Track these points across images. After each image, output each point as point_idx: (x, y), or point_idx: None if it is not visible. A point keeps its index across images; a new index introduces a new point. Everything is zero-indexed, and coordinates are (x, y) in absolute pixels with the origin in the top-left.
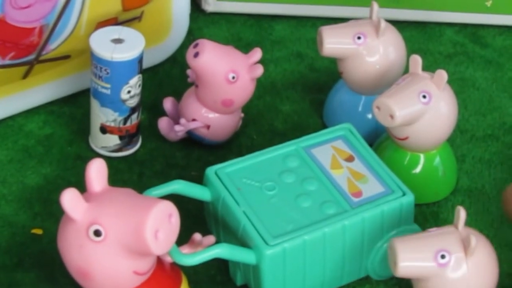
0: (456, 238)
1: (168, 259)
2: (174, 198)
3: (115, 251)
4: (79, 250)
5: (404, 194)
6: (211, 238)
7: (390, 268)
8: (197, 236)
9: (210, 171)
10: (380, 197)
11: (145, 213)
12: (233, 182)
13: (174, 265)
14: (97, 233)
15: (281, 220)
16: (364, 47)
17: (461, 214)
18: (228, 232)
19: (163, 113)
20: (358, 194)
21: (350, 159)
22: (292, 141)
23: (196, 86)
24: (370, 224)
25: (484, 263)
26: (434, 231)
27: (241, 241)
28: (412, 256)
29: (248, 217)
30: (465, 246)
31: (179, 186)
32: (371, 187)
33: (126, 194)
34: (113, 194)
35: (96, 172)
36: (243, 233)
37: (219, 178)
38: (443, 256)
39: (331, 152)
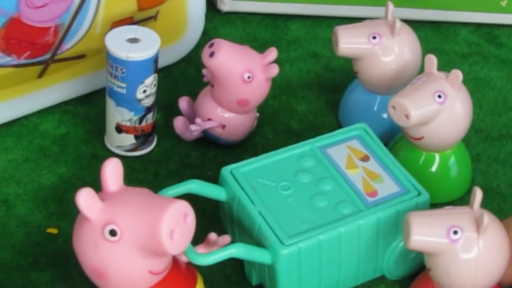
0: (470, 217)
1: (184, 259)
2: (189, 197)
3: (130, 250)
4: (94, 249)
5: (419, 194)
6: (226, 238)
7: (404, 240)
8: (212, 235)
9: (226, 170)
10: (395, 197)
11: (160, 213)
12: (248, 181)
13: (190, 264)
14: (112, 232)
15: (296, 220)
16: (380, 47)
17: (478, 194)
18: (243, 231)
19: (178, 113)
20: (373, 194)
21: (365, 158)
22: (307, 141)
23: (212, 85)
24: (385, 224)
25: (495, 246)
26: (449, 209)
27: (257, 241)
28: (425, 230)
29: (263, 216)
30: (478, 226)
31: (195, 186)
32: (387, 187)
33: (141, 194)
34: (128, 194)
35: (112, 172)
36: (259, 233)
37: (235, 178)
38: (455, 232)
39: (346, 152)
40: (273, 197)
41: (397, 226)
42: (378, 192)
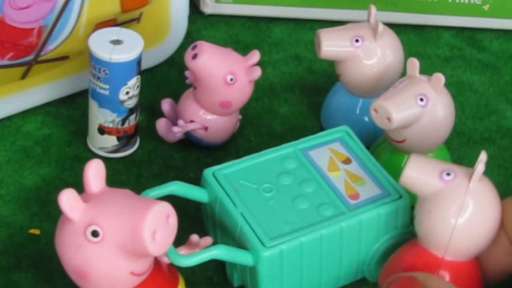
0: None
1: (166, 260)
2: (171, 199)
3: (112, 251)
4: (76, 250)
5: (400, 197)
6: (208, 240)
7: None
8: (194, 237)
9: (208, 172)
10: (376, 199)
11: (142, 214)
12: (230, 183)
13: (171, 266)
14: (94, 233)
15: (278, 221)
16: (362, 50)
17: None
18: (225, 233)
19: (161, 114)
20: (355, 196)
21: (347, 161)
22: (289, 143)
23: (194, 87)
24: (367, 226)
25: (482, 204)
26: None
27: (238, 243)
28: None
29: (245, 218)
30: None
31: (177, 187)
32: (368, 189)
33: (124, 195)
34: (111, 195)
35: (94, 173)
36: (240, 235)
37: (217, 180)
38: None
39: (328, 154)
40: (255, 199)
41: (379, 228)
42: (359, 194)
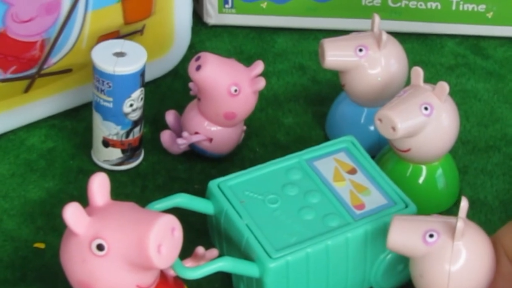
0: (450, 224)
1: (171, 273)
2: (177, 211)
3: (118, 265)
4: (82, 264)
5: (406, 206)
6: (214, 252)
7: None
8: (200, 249)
9: (213, 184)
10: (382, 209)
11: (147, 227)
12: (236, 195)
13: (177, 278)
14: (100, 247)
15: (284, 233)
16: (366, 60)
17: (462, 203)
18: (231, 245)
19: (165, 126)
20: (360, 206)
21: (352, 171)
22: (294, 154)
23: (198, 99)
24: (373, 236)
25: (473, 255)
26: (434, 216)
27: (244, 254)
28: (403, 232)
29: (251, 230)
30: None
31: (182, 200)
32: (374, 199)
33: (128, 208)
34: (115, 208)
35: (99, 186)
36: (246, 246)
37: (222, 191)
38: (431, 236)
39: (333, 164)
40: (260, 210)
41: (385, 238)
42: (365, 204)
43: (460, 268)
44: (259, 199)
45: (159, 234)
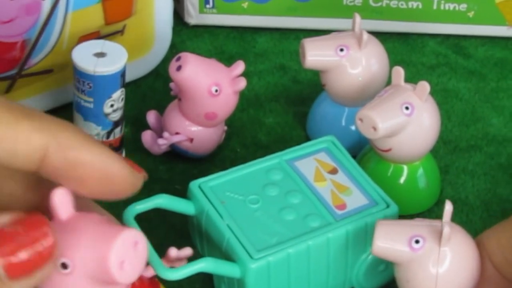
0: (436, 229)
1: (150, 272)
2: (158, 212)
3: (83, 283)
4: (48, 283)
5: (388, 206)
6: (187, 250)
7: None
8: (172, 251)
9: (194, 185)
10: (364, 209)
11: (108, 244)
12: (216, 195)
13: (154, 278)
14: (64, 265)
15: (265, 233)
16: (347, 59)
17: (446, 206)
18: (212, 245)
19: (146, 127)
20: (342, 206)
21: (333, 171)
22: (275, 154)
23: (179, 99)
24: (354, 237)
25: (458, 259)
26: (419, 220)
27: (226, 255)
28: (388, 237)
29: (232, 230)
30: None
31: (163, 200)
32: (355, 199)
33: (91, 222)
34: (78, 224)
35: (60, 202)
36: (227, 247)
37: (203, 192)
38: (417, 241)
39: (314, 164)
40: (241, 211)
41: (366, 238)
42: (346, 204)
43: (446, 272)
44: (240, 200)
45: (121, 251)
